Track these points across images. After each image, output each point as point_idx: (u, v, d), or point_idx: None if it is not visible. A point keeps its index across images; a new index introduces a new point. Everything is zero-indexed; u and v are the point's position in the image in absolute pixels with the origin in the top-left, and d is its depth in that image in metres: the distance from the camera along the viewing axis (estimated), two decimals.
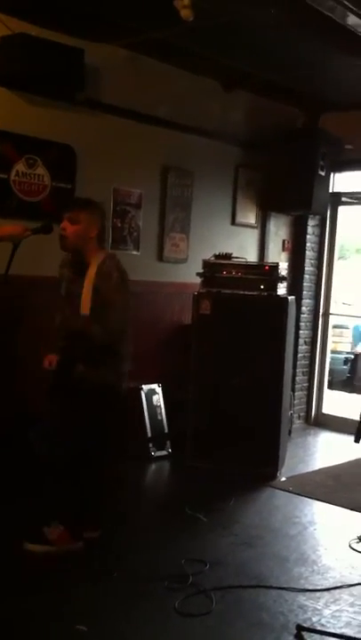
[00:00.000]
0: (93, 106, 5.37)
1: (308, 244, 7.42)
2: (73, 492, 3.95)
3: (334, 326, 8.06)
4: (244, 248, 6.78)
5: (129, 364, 3.99)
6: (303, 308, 7.36)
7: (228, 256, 5.82)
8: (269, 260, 6.91)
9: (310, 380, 7.62)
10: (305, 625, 3.30)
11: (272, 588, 3.71)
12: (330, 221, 7.50)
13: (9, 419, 4.82)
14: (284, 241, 7.36)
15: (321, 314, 7.61)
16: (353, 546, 4.33)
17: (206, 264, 5.75)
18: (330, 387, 7.90)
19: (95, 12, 4.73)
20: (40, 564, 3.76)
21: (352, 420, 6.28)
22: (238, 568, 3.93)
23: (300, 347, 7.30)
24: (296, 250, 7.44)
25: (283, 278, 5.75)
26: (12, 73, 4.77)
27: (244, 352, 5.55)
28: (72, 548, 3.89)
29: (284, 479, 5.57)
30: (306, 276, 7.42)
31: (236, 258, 5.86)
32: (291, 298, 5.81)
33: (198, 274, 5.74)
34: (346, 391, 9.52)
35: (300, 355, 7.34)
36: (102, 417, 3.93)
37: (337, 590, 3.74)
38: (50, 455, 4.48)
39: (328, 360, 7.78)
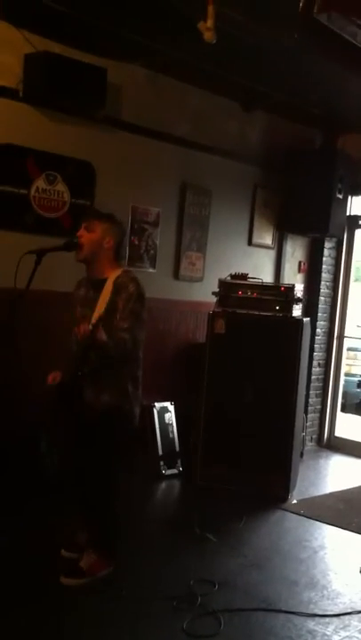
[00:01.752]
0: (114, 124, 5.42)
1: (324, 266, 7.42)
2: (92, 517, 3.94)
3: (349, 349, 8.02)
4: (260, 268, 6.78)
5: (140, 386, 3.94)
6: (318, 330, 7.34)
7: (243, 276, 5.82)
8: (285, 282, 6.91)
9: (323, 403, 7.58)
10: None
11: (281, 611, 3.68)
12: (346, 244, 7.50)
13: (18, 432, 4.83)
14: (300, 262, 7.37)
15: (336, 336, 7.59)
16: None
17: (222, 283, 5.76)
18: (343, 410, 7.85)
19: (117, 31, 4.78)
20: (47, 580, 3.75)
21: None
22: (247, 590, 3.90)
23: (313, 369, 7.27)
24: (312, 271, 7.44)
25: (298, 300, 5.74)
26: (35, 90, 4.83)
27: (257, 372, 5.54)
28: (104, 575, 3.84)
29: (295, 502, 5.53)
30: (321, 298, 7.41)
31: (252, 278, 5.87)
32: (306, 319, 5.80)
33: (214, 293, 5.75)
34: (359, 414, 9.44)
35: (313, 377, 7.31)
36: (114, 443, 3.87)
37: (347, 616, 3.70)
38: (58, 468, 4.51)
39: (342, 383, 7.74)
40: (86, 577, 3.78)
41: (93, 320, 3.65)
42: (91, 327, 3.53)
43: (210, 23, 4.03)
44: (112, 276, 3.83)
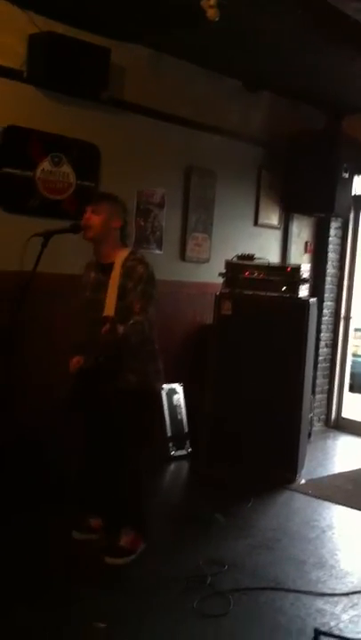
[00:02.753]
0: (118, 105, 5.38)
1: (330, 247, 7.38)
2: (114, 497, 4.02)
3: (356, 329, 8.00)
4: (267, 249, 6.75)
5: (160, 362, 4.00)
6: (325, 311, 7.32)
7: (250, 257, 5.80)
8: (291, 262, 6.88)
9: (331, 383, 7.58)
10: (323, 629, 3.28)
11: (290, 591, 3.70)
12: (353, 224, 7.47)
13: (29, 425, 4.83)
14: (306, 243, 7.33)
15: (342, 317, 7.57)
16: None
17: (228, 265, 5.74)
18: (351, 390, 7.85)
19: (120, 12, 4.73)
20: (60, 565, 3.78)
21: None
22: (256, 570, 3.92)
23: (320, 349, 7.26)
24: (318, 252, 7.40)
25: (305, 280, 5.72)
26: (39, 71, 4.78)
27: (264, 353, 5.53)
28: (142, 550, 3.95)
29: (303, 482, 5.54)
30: (328, 279, 7.39)
31: (259, 259, 5.84)
32: (312, 300, 5.78)
33: (220, 274, 5.74)
34: None
35: (320, 357, 7.31)
36: (141, 418, 3.93)
37: (355, 595, 3.71)
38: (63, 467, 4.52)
39: (349, 363, 7.73)
40: (129, 555, 3.87)
41: (107, 312, 3.67)
42: (108, 326, 3.54)
43: (213, 1, 4.00)
44: (120, 257, 3.83)
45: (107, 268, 3.85)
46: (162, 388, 4.00)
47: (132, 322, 3.67)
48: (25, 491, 4.42)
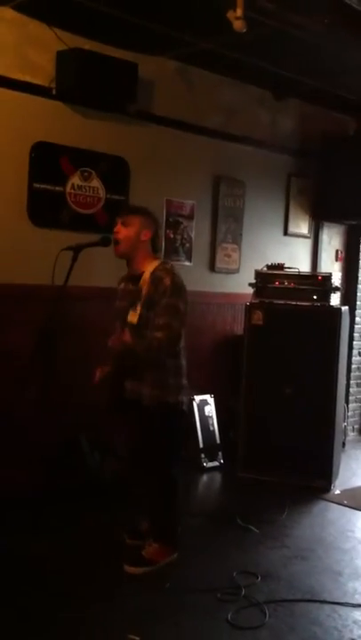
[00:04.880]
0: (145, 118, 5.43)
1: None
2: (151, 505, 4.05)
3: None
4: (297, 258, 6.73)
5: (186, 378, 3.97)
6: (357, 319, 7.26)
7: (280, 266, 5.79)
8: (322, 271, 6.85)
9: None
10: None
11: (325, 602, 3.66)
12: None
13: (61, 432, 4.91)
14: (337, 251, 7.29)
15: None
16: None
17: (258, 274, 5.73)
18: None
19: (146, 25, 4.77)
20: (93, 573, 3.80)
21: None
22: (290, 581, 3.89)
23: (353, 358, 7.20)
24: (349, 260, 7.36)
25: (336, 289, 5.69)
26: (67, 87, 4.85)
27: (296, 363, 5.50)
28: (169, 562, 3.95)
29: (337, 492, 5.49)
30: (360, 286, 7.32)
31: (289, 268, 5.83)
32: (344, 308, 5.75)
33: (250, 284, 5.73)
34: None
35: (353, 366, 7.25)
36: (168, 433, 3.92)
37: None
38: (100, 467, 4.59)
39: None
40: (149, 565, 3.87)
41: (131, 319, 3.74)
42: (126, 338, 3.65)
43: (239, 12, 4.01)
44: (149, 268, 3.86)
45: (137, 279, 3.88)
46: (184, 402, 3.93)
47: (150, 338, 3.71)
48: (65, 489, 4.55)
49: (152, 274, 3.83)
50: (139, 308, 3.78)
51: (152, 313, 3.76)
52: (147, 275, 3.83)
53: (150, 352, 3.73)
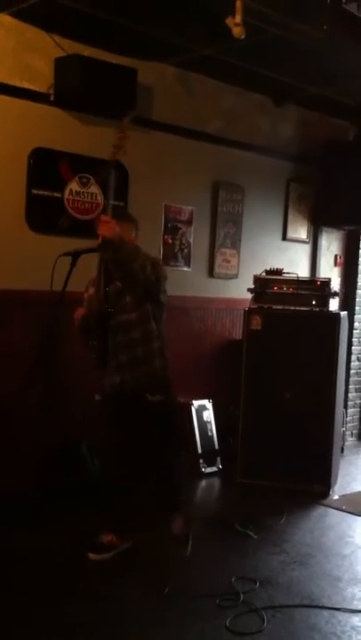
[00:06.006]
0: (144, 124, 5.43)
1: (360, 259, 7.34)
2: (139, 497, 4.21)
3: None
4: (296, 263, 6.74)
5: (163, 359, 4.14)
6: (356, 324, 7.27)
7: (279, 271, 5.79)
8: (321, 276, 6.86)
9: None
10: None
11: (324, 608, 3.66)
12: None
13: (59, 436, 4.91)
14: (336, 256, 7.30)
15: None
16: None
17: (257, 280, 5.74)
18: None
19: (145, 32, 4.79)
20: (95, 577, 3.80)
21: None
22: (289, 587, 3.89)
23: (352, 363, 7.21)
24: (348, 265, 7.37)
25: (335, 294, 5.70)
26: (66, 93, 4.86)
27: (295, 368, 5.51)
28: (123, 548, 4.11)
29: (336, 497, 5.49)
30: (359, 292, 7.33)
31: (288, 273, 5.83)
32: (343, 313, 5.75)
33: (249, 289, 5.74)
34: None
35: (352, 371, 7.25)
36: (161, 415, 4.11)
37: None
38: (99, 470, 4.62)
39: None
40: (188, 538, 4.17)
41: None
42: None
43: (238, 18, 4.01)
44: None
45: None
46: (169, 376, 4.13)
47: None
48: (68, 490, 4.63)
49: None
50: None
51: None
52: None
53: (127, 246, 3.80)
